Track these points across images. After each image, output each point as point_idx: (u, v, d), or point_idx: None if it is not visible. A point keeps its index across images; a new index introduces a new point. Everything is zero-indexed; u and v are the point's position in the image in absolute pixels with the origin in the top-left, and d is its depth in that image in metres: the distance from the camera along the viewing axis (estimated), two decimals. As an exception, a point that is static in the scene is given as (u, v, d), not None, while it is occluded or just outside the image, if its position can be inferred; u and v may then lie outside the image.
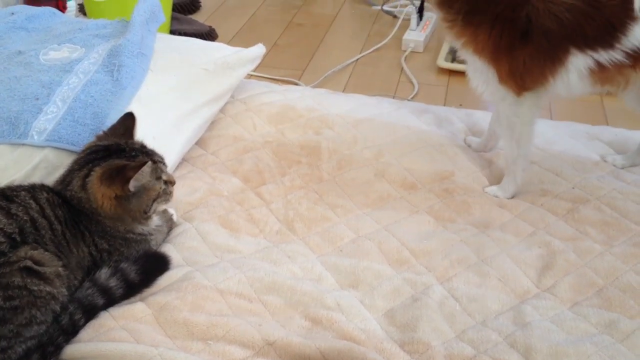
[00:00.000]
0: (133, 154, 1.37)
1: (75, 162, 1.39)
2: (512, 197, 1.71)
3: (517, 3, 1.50)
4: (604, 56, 1.49)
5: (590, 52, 1.50)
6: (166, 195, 1.41)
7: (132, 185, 1.32)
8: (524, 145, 1.67)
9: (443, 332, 1.32)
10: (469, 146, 1.89)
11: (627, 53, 1.48)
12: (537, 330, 1.31)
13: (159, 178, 1.39)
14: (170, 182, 1.43)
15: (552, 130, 1.95)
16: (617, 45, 1.48)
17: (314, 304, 1.36)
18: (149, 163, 1.33)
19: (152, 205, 1.38)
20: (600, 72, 1.52)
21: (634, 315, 1.37)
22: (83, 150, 1.41)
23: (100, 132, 1.44)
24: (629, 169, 1.81)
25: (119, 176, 1.31)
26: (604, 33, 1.48)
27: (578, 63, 1.51)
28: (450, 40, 1.65)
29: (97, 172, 1.32)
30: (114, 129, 1.44)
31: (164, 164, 1.42)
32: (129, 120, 1.46)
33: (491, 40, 1.54)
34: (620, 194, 1.70)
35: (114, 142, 1.39)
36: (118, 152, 1.37)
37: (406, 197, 1.70)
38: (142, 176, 1.33)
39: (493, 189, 1.73)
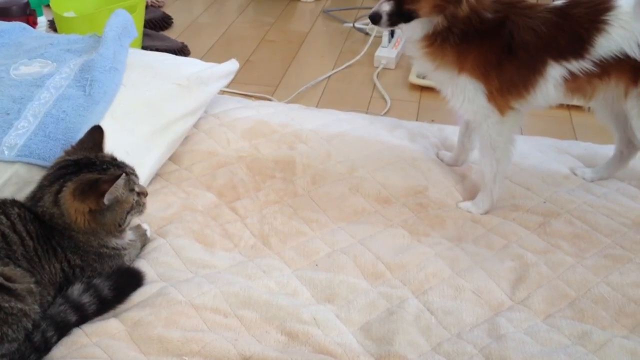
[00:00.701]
0: (104, 167, 1.36)
1: (45, 178, 1.37)
2: (486, 214, 1.73)
3: (499, 20, 1.55)
4: (575, 66, 1.54)
5: (564, 62, 1.55)
6: (139, 206, 1.41)
7: (107, 198, 1.30)
8: (503, 163, 1.69)
9: (419, 345, 1.33)
10: (442, 160, 1.91)
11: (594, 63, 1.53)
12: (511, 342, 1.32)
13: (132, 190, 1.38)
14: (142, 194, 1.42)
15: (523, 145, 1.97)
16: (586, 55, 1.53)
17: (289, 318, 1.35)
18: (122, 175, 1.32)
19: (126, 217, 1.37)
20: (573, 82, 1.57)
21: (606, 326, 1.38)
22: (52, 166, 1.39)
23: (69, 147, 1.43)
24: (598, 182, 1.84)
25: (93, 190, 1.30)
26: (574, 44, 1.54)
27: (554, 73, 1.56)
28: (422, 63, 1.65)
29: (70, 187, 1.31)
30: (82, 142, 1.43)
31: (135, 175, 1.42)
32: (97, 134, 1.44)
33: (481, 58, 1.57)
34: (590, 207, 1.72)
35: (83, 156, 1.38)
36: (89, 166, 1.36)
37: (380, 211, 1.71)
38: (117, 189, 1.32)
39: (467, 205, 1.74)
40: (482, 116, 1.64)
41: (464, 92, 1.62)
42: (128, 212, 1.37)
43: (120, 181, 1.32)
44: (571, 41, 1.54)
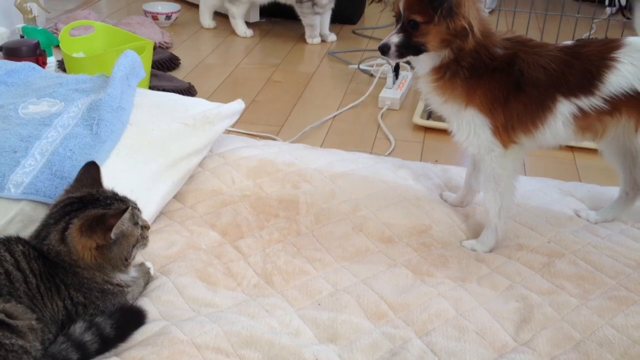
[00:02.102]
0: (108, 202, 1.37)
1: (50, 217, 1.38)
2: (490, 251, 1.72)
3: (509, 57, 1.58)
4: (585, 102, 1.57)
5: (573, 99, 1.57)
6: (144, 239, 1.42)
7: (114, 233, 1.31)
8: (507, 197, 1.70)
9: (422, 386, 1.31)
10: (446, 201, 1.91)
11: (604, 99, 1.55)
12: (516, 384, 1.31)
13: (136, 223, 1.39)
14: (145, 227, 1.43)
15: (527, 185, 1.98)
16: (596, 92, 1.55)
17: (292, 358, 1.34)
18: (128, 209, 1.33)
19: (132, 251, 1.38)
20: (583, 119, 1.59)
21: (611, 368, 1.37)
22: (56, 204, 1.40)
23: (67, 186, 1.44)
24: (602, 224, 1.84)
25: (100, 225, 1.31)
26: (584, 80, 1.56)
27: (564, 110, 1.58)
28: (431, 97, 1.68)
29: (76, 224, 1.32)
30: (79, 180, 1.44)
31: (138, 209, 1.43)
32: (92, 169, 1.46)
33: (490, 93, 1.60)
34: (594, 248, 1.72)
35: (87, 193, 1.39)
36: (93, 202, 1.37)
37: (384, 250, 1.71)
38: (123, 223, 1.33)
39: (471, 243, 1.74)
40: (486, 149, 1.65)
41: (470, 126, 1.64)
42: (134, 246, 1.38)
43: (127, 215, 1.33)
44: (581, 78, 1.56)
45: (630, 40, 1.56)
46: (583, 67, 1.56)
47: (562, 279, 1.61)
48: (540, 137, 1.63)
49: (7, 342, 1.17)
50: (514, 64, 1.58)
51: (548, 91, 1.58)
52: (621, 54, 1.54)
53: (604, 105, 1.55)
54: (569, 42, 1.64)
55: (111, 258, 1.34)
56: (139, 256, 1.47)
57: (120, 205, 1.37)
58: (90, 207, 1.35)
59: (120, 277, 1.39)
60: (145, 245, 1.43)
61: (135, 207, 1.41)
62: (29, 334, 1.21)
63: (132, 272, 1.44)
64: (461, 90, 1.61)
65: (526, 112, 1.60)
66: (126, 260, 1.37)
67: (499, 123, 1.62)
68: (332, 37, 3.67)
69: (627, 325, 1.46)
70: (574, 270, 1.64)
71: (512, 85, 1.59)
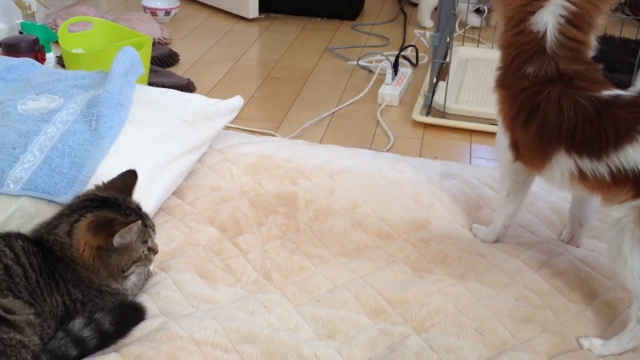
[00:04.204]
0: (127, 212, 1.37)
1: (68, 207, 1.38)
2: (487, 242, 1.73)
3: (541, 84, 1.45)
4: (588, 165, 1.40)
5: (575, 157, 1.41)
6: (146, 260, 1.41)
7: (116, 241, 1.31)
8: (510, 200, 1.67)
9: (421, 382, 1.32)
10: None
11: (610, 169, 1.36)
12: (514, 380, 1.31)
13: (144, 242, 1.38)
14: (153, 250, 1.42)
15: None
16: (604, 158, 1.37)
17: (291, 354, 1.34)
18: (139, 222, 1.33)
19: (130, 266, 1.37)
20: (581, 180, 1.43)
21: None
22: (78, 196, 1.40)
23: (100, 183, 1.44)
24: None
25: (106, 228, 1.30)
26: (596, 141, 1.38)
27: (563, 163, 1.44)
28: None
29: (88, 218, 1.32)
30: (113, 182, 1.44)
31: (153, 230, 1.42)
32: (129, 178, 1.45)
33: (509, 111, 1.54)
34: (591, 252, 1.72)
35: (112, 196, 1.39)
36: (113, 206, 1.37)
37: (383, 247, 1.71)
38: (128, 234, 1.32)
39: (477, 227, 1.77)
40: (501, 154, 1.64)
41: (499, 130, 1.61)
42: (134, 262, 1.37)
43: (134, 227, 1.32)
44: (594, 138, 1.38)
45: None
46: (603, 128, 1.36)
47: (560, 279, 1.61)
48: (544, 176, 1.53)
49: (5, 336, 1.18)
50: (540, 93, 1.45)
51: (551, 138, 1.44)
52: None
53: (605, 176, 1.37)
54: (611, 92, 1.42)
55: (108, 264, 1.34)
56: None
57: (136, 218, 1.36)
58: (110, 209, 1.35)
59: (116, 285, 1.39)
60: (146, 266, 1.43)
61: (150, 227, 1.40)
62: (27, 328, 1.21)
63: (132, 279, 1.44)
64: (498, 99, 1.57)
65: (532, 147, 1.50)
66: (123, 272, 1.36)
67: (512, 140, 1.57)
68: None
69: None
70: (573, 271, 1.64)
71: (527, 115, 1.48)
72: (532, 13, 1.47)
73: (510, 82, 1.53)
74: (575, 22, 1.46)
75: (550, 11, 1.46)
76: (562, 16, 1.45)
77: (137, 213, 1.39)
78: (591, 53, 1.50)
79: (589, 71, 1.46)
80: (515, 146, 1.58)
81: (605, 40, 1.58)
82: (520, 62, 1.49)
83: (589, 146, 1.38)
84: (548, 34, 1.46)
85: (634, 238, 1.35)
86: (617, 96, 1.40)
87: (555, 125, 1.43)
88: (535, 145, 1.50)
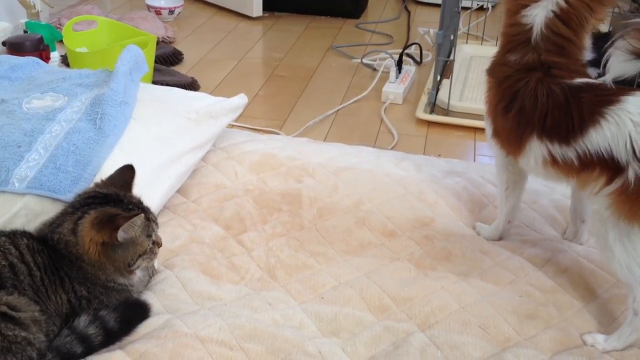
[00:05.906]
0: (130, 207, 1.38)
1: (70, 205, 1.39)
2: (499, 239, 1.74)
3: (522, 71, 1.49)
4: (558, 150, 1.42)
5: (547, 142, 1.45)
6: (152, 254, 1.41)
7: (121, 235, 1.32)
8: (509, 193, 1.68)
9: (425, 379, 1.32)
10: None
11: (577, 153, 1.38)
12: (518, 377, 1.31)
13: (149, 236, 1.39)
14: (157, 243, 1.43)
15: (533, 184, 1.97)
16: (572, 143, 1.39)
17: (295, 351, 1.35)
18: (141, 216, 1.33)
19: (137, 260, 1.38)
20: (553, 165, 1.45)
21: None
22: (80, 194, 1.41)
23: (99, 180, 1.45)
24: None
25: (110, 223, 1.31)
26: (564, 126, 1.41)
27: (535, 149, 1.47)
28: None
29: (91, 215, 1.33)
30: (112, 179, 1.45)
31: (156, 224, 1.42)
32: (127, 173, 1.46)
33: (494, 98, 1.57)
34: (594, 249, 1.71)
35: (113, 192, 1.40)
36: (115, 202, 1.37)
37: (387, 244, 1.71)
38: (132, 228, 1.33)
39: (480, 225, 1.77)
40: (491, 147, 1.65)
41: (485, 120, 1.64)
42: (140, 256, 1.38)
43: (137, 221, 1.33)
44: (563, 123, 1.41)
45: (628, 98, 1.34)
46: (570, 114, 1.39)
47: (564, 276, 1.61)
48: (521, 163, 1.54)
49: (10, 333, 1.18)
50: (520, 81, 1.48)
51: (527, 124, 1.47)
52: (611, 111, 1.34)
53: (574, 160, 1.39)
54: (581, 80, 1.43)
55: (115, 259, 1.34)
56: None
57: (138, 212, 1.36)
58: (112, 205, 1.36)
59: (123, 280, 1.39)
60: (152, 260, 1.43)
61: (153, 221, 1.41)
62: (32, 325, 1.22)
63: (138, 273, 1.44)
64: (487, 78, 1.60)
65: (511, 134, 1.53)
66: (129, 266, 1.37)
67: (493, 129, 1.60)
68: None
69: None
70: (576, 268, 1.64)
71: (506, 102, 1.51)
72: (526, 6, 1.51)
73: (496, 69, 1.57)
74: (565, 19, 1.48)
75: (542, 6, 1.49)
76: (552, 12, 1.48)
77: (139, 207, 1.40)
78: (584, 54, 1.51)
79: (571, 64, 1.48)
80: (496, 134, 1.59)
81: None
82: (506, 50, 1.54)
83: (558, 131, 1.42)
84: (535, 26, 1.49)
85: (615, 228, 1.36)
86: (586, 83, 1.43)
87: (530, 112, 1.46)
88: (512, 131, 1.52)
